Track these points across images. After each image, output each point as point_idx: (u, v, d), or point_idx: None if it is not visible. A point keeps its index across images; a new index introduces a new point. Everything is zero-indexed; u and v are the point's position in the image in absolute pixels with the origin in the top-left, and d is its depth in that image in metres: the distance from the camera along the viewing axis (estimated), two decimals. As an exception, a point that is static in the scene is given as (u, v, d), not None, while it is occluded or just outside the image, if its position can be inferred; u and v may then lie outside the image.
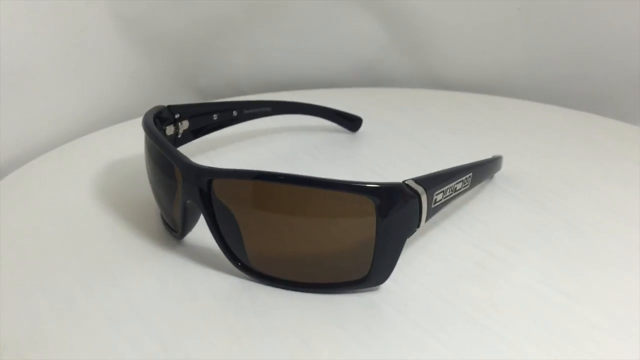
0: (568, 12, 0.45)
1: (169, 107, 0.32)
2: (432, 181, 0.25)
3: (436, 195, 0.25)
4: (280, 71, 0.48)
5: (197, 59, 0.47)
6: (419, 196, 0.24)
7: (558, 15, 0.45)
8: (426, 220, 0.25)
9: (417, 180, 0.24)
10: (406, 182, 0.24)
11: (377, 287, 0.25)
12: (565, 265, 0.27)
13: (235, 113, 0.36)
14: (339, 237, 0.24)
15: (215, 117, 0.35)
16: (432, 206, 0.25)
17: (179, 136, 0.33)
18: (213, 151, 0.37)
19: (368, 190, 0.23)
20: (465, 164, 0.28)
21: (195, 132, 0.34)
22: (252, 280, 0.25)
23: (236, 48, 0.47)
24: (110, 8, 0.42)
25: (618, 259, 0.27)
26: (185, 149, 0.32)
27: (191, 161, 0.25)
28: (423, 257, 0.27)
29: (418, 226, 0.24)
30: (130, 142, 0.35)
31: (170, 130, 0.32)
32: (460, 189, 0.27)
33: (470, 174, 0.28)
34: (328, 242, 0.25)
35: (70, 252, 0.27)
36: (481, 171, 0.30)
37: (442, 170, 0.26)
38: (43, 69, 0.38)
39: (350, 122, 0.41)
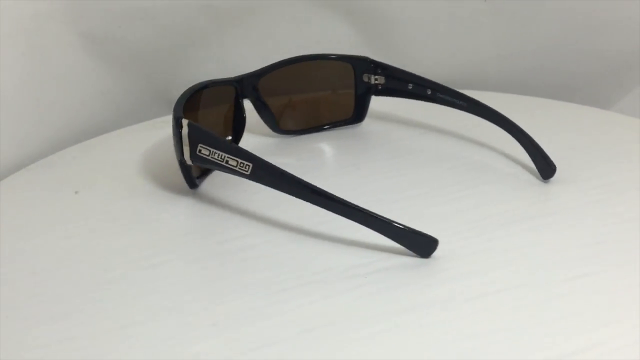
0: (535, 3, 0.45)
1: (372, 60, 0.41)
2: (199, 132, 0.31)
3: (201, 147, 0.31)
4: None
5: (169, 72, 0.47)
6: (181, 133, 0.32)
7: (525, 6, 0.46)
8: (191, 161, 0.32)
9: (189, 123, 0.31)
10: (183, 118, 0.32)
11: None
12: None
13: (429, 92, 0.39)
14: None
15: (410, 86, 0.40)
16: (196, 153, 0.31)
17: (379, 87, 0.41)
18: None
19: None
20: (254, 155, 0.29)
21: (388, 91, 0.40)
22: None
23: (207, 58, 0.47)
24: (73, 26, 0.42)
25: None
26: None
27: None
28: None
29: (184, 159, 0.32)
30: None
31: (365, 77, 0.41)
32: (236, 167, 0.30)
33: (251, 165, 0.29)
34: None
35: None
36: (266, 173, 0.29)
37: (224, 140, 0.31)
38: (8, 91, 0.39)
39: (546, 166, 0.34)
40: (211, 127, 0.36)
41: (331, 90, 0.42)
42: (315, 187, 0.28)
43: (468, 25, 0.47)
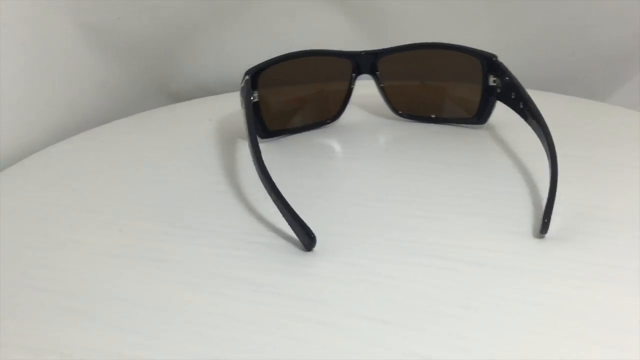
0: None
1: (498, 60, 0.37)
2: (245, 88, 0.35)
3: (242, 99, 0.36)
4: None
5: (167, 64, 0.47)
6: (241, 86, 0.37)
7: None
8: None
9: (246, 80, 0.36)
10: (249, 72, 0.36)
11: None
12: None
13: (521, 105, 0.34)
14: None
15: (512, 95, 0.35)
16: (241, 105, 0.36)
17: (498, 91, 0.38)
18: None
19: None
20: (250, 119, 0.33)
21: (502, 97, 0.37)
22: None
23: (205, 51, 0.47)
24: (74, 17, 0.41)
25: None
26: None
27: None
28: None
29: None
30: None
31: (489, 78, 0.38)
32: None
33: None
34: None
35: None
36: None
37: (248, 100, 0.35)
38: (8, 81, 0.38)
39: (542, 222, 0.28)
40: (313, 93, 0.40)
41: (455, 84, 0.40)
42: (259, 160, 0.30)
43: (464, 19, 0.47)
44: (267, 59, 0.37)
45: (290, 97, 0.39)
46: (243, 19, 0.47)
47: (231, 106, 0.42)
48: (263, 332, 0.23)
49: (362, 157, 0.36)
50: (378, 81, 0.39)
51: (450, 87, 0.40)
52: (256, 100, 0.37)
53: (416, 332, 0.22)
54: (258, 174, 0.30)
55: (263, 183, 0.29)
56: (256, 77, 0.37)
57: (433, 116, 0.40)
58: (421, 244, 0.27)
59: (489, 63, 0.37)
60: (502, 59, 0.36)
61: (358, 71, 0.39)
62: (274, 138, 0.39)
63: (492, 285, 0.25)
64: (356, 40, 0.45)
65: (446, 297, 0.24)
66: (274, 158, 0.35)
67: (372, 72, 0.39)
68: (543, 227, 0.27)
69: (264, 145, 0.36)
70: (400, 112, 0.40)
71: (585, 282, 0.24)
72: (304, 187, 0.32)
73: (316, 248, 0.27)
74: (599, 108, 0.42)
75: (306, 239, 0.27)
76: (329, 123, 0.40)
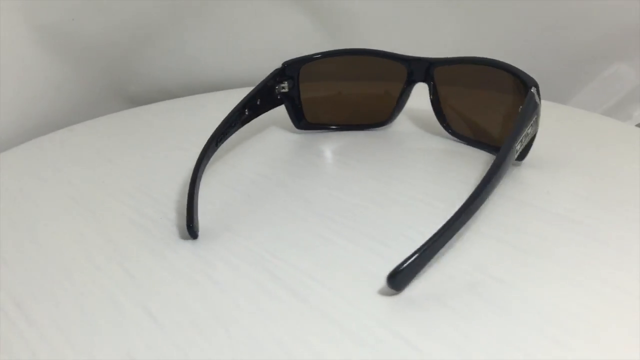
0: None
1: (532, 91, 0.32)
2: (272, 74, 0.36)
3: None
4: (212, 73, 0.47)
5: (125, 67, 0.46)
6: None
7: (484, 3, 0.46)
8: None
9: (276, 69, 0.37)
10: (285, 63, 0.37)
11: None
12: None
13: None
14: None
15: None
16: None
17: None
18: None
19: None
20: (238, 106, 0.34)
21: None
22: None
23: (165, 53, 0.46)
24: (27, 19, 0.40)
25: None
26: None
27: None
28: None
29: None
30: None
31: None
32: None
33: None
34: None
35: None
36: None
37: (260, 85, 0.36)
38: None
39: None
40: (360, 94, 0.39)
41: (502, 109, 0.35)
42: (208, 143, 0.32)
43: (428, 21, 0.47)
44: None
45: (334, 93, 0.39)
46: (204, 20, 0.45)
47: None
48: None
49: (358, 169, 0.34)
50: (431, 91, 0.37)
51: (499, 111, 0.35)
52: (285, 90, 0.38)
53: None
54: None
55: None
56: (294, 70, 0.37)
57: (478, 140, 0.36)
58: (279, 262, 0.26)
59: (525, 90, 0.32)
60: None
61: (412, 77, 0.37)
62: (313, 131, 0.39)
63: (305, 326, 0.23)
64: (320, 41, 0.43)
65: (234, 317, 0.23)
66: (288, 148, 0.37)
67: (427, 80, 0.37)
68: (388, 280, 0.23)
69: (297, 136, 0.38)
70: (446, 127, 0.37)
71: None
72: (272, 181, 0.33)
73: (202, 238, 0.28)
74: (561, 110, 0.42)
75: (190, 227, 0.28)
76: (375, 128, 0.39)
